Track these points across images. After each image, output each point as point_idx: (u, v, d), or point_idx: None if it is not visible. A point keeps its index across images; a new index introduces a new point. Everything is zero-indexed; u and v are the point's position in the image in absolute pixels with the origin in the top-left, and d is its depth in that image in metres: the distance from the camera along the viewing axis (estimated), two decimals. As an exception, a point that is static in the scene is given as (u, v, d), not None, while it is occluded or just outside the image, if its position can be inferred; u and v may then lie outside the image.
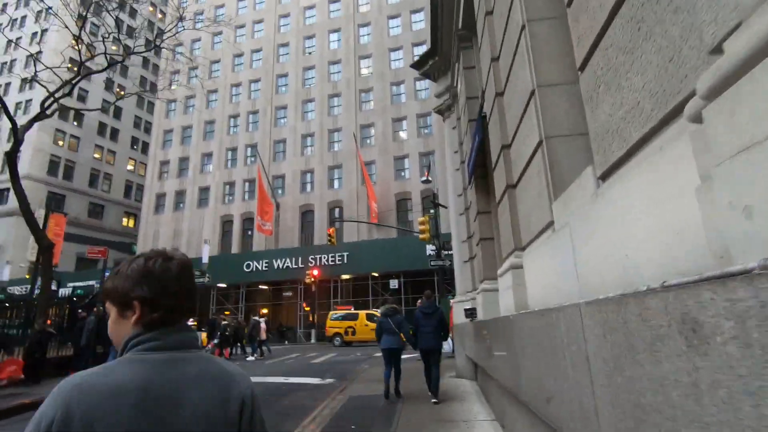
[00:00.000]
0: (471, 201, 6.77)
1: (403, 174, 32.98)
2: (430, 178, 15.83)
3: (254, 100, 38.49)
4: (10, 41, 14.52)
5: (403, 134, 34.00)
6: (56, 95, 12.35)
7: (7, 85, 49.98)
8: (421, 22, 35.16)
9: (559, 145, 2.71)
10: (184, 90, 41.25)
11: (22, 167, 44.18)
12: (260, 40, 40.02)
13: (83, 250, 46.07)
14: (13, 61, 51.22)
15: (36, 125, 45.19)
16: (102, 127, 52.13)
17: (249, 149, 37.06)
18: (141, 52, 16.12)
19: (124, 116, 55.16)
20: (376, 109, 34.78)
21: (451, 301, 10.60)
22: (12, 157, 10.94)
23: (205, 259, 16.53)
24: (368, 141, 34.73)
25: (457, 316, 7.83)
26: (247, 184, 36.40)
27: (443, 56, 8.71)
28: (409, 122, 33.78)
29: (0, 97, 11.44)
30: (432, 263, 14.59)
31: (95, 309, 9.80)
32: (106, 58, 14.14)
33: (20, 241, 41.20)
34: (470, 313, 6.31)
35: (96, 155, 51.06)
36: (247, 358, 14.95)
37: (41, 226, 12.42)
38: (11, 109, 48.81)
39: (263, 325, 16.22)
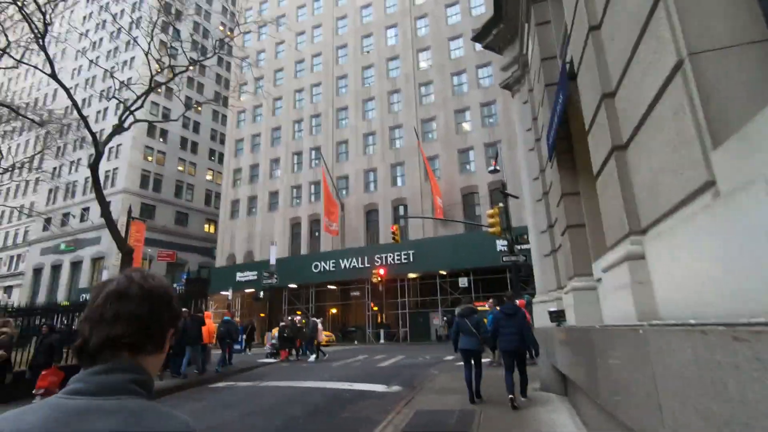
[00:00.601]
0: (551, 182, 5.68)
1: (468, 167, 31.55)
2: (497, 167, 14.55)
3: (316, 103, 39.22)
4: (91, 61, 15.71)
5: (466, 125, 32.55)
6: (131, 108, 13.11)
7: (89, 98, 55.60)
8: (481, 6, 33.42)
9: (716, 62, 1.72)
10: (252, 100, 43.28)
11: (119, 182, 49.36)
12: (319, 44, 40.72)
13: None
14: (93, 77, 56.93)
15: (129, 144, 49.86)
16: (183, 141, 56.50)
17: (313, 152, 37.82)
18: (202, 59, 16.63)
19: (201, 130, 59.38)
20: (437, 101, 33.68)
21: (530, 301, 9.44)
22: (94, 169, 11.77)
23: (273, 260, 16.81)
24: (430, 135, 33.74)
25: (539, 319, 6.75)
26: (312, 186, 37.16)
27: (509, 22, 7.64)
28: (472, 113, 32.25)
29: (81, 114, 12.40)
30: (504, 259, 13.35)
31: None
32: (172, 71, 14.73)
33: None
34: (556, 315, 5.25)
35: (180, 168, 55.44)
36: (309, 359, 14.89)
37: (124, 234, 13.26)
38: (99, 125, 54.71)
39: (320, 327, 16.03)
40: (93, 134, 12.22)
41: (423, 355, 14.61)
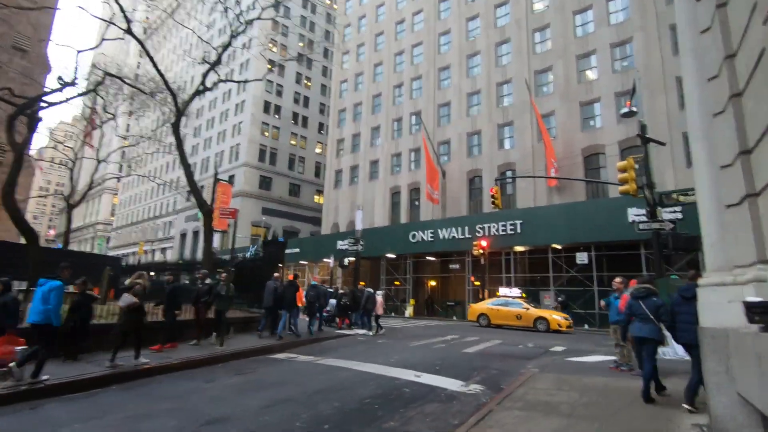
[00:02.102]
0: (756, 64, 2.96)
1: (591, 123, 26.49)
2: (633, 108, 10.90)
3: (417, 65, 36.91)
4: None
5: (590, 74, 27.21)
6: (212, 64, 12.80)
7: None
8: None
9: None
10: (355, 67, 42.76)
11: (242, 157, 53.89)
12: (420, 0, 37.93)
13: (289, 224, 54.01)
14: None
15: (248, 121, 53.79)
16: (295, 116, 59.28)
17: (413, 118, 35.89)
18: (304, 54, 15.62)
19: (311, 104, 61.56)
20: (555, 48, 28.74)
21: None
22: (176, 128, 11.74)
23: (359, 227, 15.64)
24: (545, 89, 29.13)
25: (708, 312, 4.15)
26: (412, 153, 35.47)
27: None
28: (599, 57, 26.74)
29: (160, 72, 12.44)
30: (641, 227, 9.95)
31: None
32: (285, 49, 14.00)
33: (243, 217, 50.53)
34: (763, 311, 2.72)
35: (292, 141, 58.49)
36: (360, 332, 13.48)
37: (212, 196, 13.29)
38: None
39: (380, 299, 14.48)
40: (173, 93, 12.23)
41: (525, 342, 12.11)
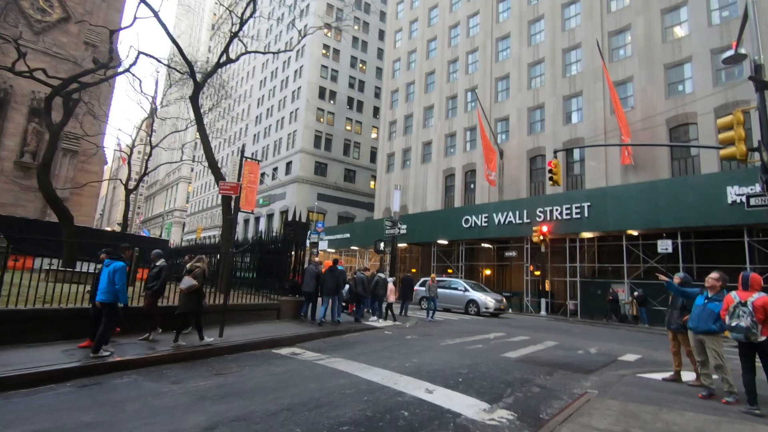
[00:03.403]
0: None
1: (680, 88, 22.46)
2: (743, 51, 8.20)
3: (473, 37, 34.14)
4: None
5: (679, 30, 23.03)
6: (234, 32, 11.95)
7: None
8: None
9: None
10: (407, 45, 40.80)
11: (297, 143, 54.41)
12: (477, -35, 34.91)
13: (344, 210, 53.89)
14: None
15: (303, 107, 54.02)
16: (350, 101, 58.65)
17: (469, 94, 33.35)
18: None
19: (366, 89, 60.56)
20: (634, 3, 24.71)
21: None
22: (194, 101, 11.04)
23: (396, 208, 14.07)
24: (620, 53, 25.31)
25: None
26: (468, 133, 33.06)
27: None
28: (691, 8, 22.48)
29: (177, 43, 11.77)
30: (752, 203, 7.39)
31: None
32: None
33: (300, 202, 51.20)
34: None
35: (347, 127, 58.02)
36: (371, 320, 12.49)
37: (237, 174, 12.57)
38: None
39: (391, 285, 13.07)
40: (190, 64, 11.53)
41: (587, 346, 9.98)
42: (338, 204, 54.62)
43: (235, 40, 12.60)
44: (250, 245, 11.81)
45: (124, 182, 25.72)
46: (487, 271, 29.24)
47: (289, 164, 54.99)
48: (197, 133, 12.08)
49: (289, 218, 11.46)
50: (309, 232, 40.49)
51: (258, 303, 10.23)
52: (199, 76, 13.23)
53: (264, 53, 20.93)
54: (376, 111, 60.41)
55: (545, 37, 28.89)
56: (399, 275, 18.45)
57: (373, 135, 59.66)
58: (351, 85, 59.02)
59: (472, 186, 31.80)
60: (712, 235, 17.50)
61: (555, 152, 13.32)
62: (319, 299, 10.95)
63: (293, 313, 10.77)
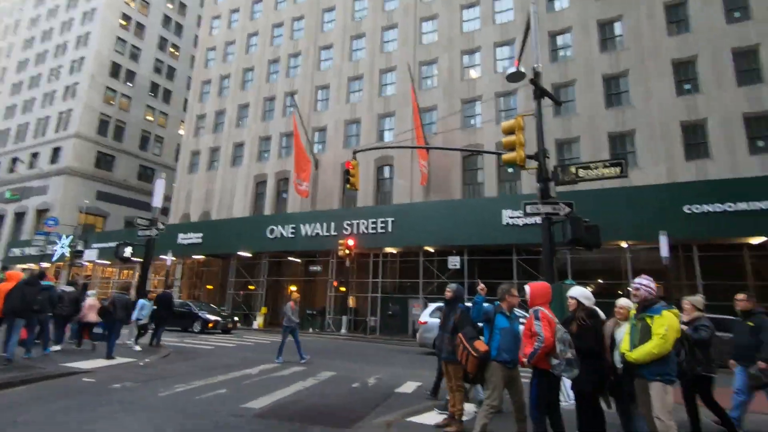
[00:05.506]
0: None
1: (472, 122, 25.13)
2: (521, 69, 8.23)
3: (297, 40, 32.51)
4: None
5: (473, 72, 25.98)
6: None
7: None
8: None
9: None
10: (225, 34, 36.58)
11: (72, 125, 42.85)
12: (305, -31, 33.77)
13: (132, 214, 44.01)
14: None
15: (86, 83, 42.89)
16: (154, 87, 49.90)
17: (288, 98, 31.32)
18: None
19: (177, 78, 52.70)
20: (441, 40, 27.02)
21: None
22: None
23: (158, 201, 10.67)
24: (428, 82, 27.22)
25: None
26: (284, 138, 30.84)
27: None
28: (483, 55, 25.63)
29: None
30: (528, 210, 6.98)
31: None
32: None
33: (68, 201, 39.91)
34: None
35: (148, 117, 48.96)
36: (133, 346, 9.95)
37: None
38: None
39: (90, 300, 10.03)
40: None
41: (369, 373, 8.55)
42: (127, 206, 44.92)
43: None
44: None
45: None
46: (293, 288, 27.03)
47: (57, 150, 42.79)
48: None
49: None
50: (37, 234, 31.21)
51: None
52: None
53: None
54: (187, 104, 53.05)
55: (366, 55, 29.27)
56: (178, 293, 14.45)
57: (182, 131, 51.91)
58: (158, 70, 50.42)
59: (284, 195, 29.49)
60: (490, 253, 19.30)
61: (354, 152, 12.12)
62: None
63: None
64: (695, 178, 18.17)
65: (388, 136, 27.19)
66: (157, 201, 11.67)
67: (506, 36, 25.09)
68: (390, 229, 20.79)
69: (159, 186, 11.65)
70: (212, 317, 18.46)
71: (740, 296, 5.22)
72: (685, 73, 20.58)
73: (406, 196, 24.62)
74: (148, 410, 5.13)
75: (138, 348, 10.24)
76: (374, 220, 21.22)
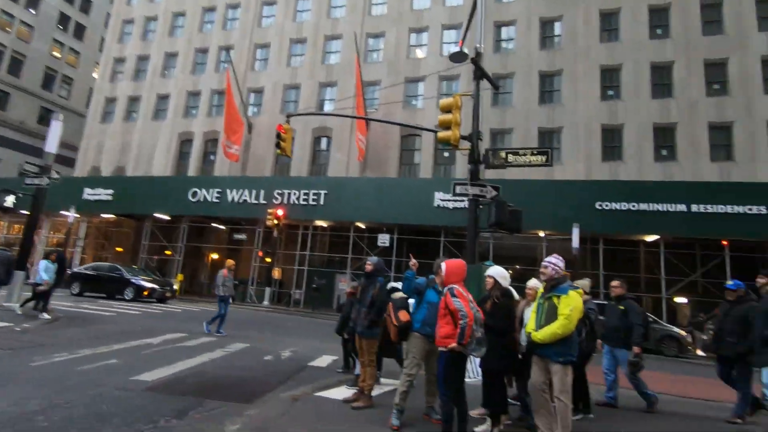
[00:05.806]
0: None
1: (414, 102, 25.06)
2: (464, 49, 8.12)
3: (237, -10, 29.90)
4: None
5: (419, 51, 25.78)
6: None
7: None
8: None
9: None
10: (153, -30, 32.56)
11: (-47, 49, 36.16)
12: None
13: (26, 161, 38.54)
14: None
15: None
16: (64, 19, 43.52)
17: (223, 53, 28.91)
18: None
19: (93, 12, 46.45)
20: (390, 14, 26.36)
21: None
22: None
23: (50, 147, 9.19)
24: (374, 56, 26.57)
25: None
26: (216, 96, 28.57)
27: None
28: (431, 35, 25.46)
29: None
30: (458, 191, 7.04)
31: None
32: None
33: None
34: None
35: (55, 53, 42.76)
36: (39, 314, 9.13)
37: None
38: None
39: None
40: None
41: (285, 346, 8.27)
42: (25, 153, 39.33)
43: None
44: None
45: None
46: (214, 256, 25.63)
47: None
48: None
49: None
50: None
51: None
52: None
53: None
54: (104, 45, 47.19)
55: (311, 17, 27.75)
56: (69, 253, 12.84)
57: (95, 74, 46.31)
58: (70, 0, 43.91)
59: (212, 157, 27.53)
60: (421, 233, 19.64)
61: (288, 116, 11.44)
62: None
63: None
64: (608, 178, 19.81)
65: (328, 106, 26.28)
66: (51, 146, 10.12)
67: (455, 20, 25.07)
68: (322, 202, 20.29)
69: (55, 128, 10.10)
70: (148, 284, 16.71)
71: (615, 283, 5.77)
72: (610, 80, 22.09)
73: (342, 170, 24.14)
74: (23, 381, 4.40)
75: (47, 316, 9.02)
76: (307, 191, 20.56)
